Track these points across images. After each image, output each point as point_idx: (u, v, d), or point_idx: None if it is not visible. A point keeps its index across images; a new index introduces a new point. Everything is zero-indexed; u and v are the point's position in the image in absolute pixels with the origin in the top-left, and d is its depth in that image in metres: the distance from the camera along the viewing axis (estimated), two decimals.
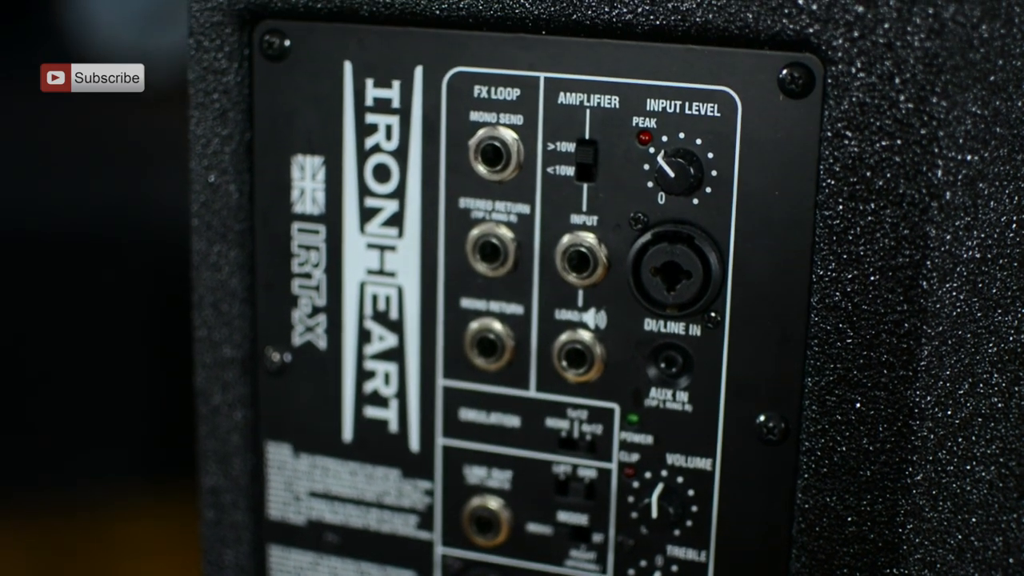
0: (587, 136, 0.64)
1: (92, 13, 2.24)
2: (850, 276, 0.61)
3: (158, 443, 2.15)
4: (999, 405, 0.62)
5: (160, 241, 2.08)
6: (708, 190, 0.63)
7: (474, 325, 0.67)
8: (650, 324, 0.65)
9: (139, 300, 2.11)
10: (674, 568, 0.67)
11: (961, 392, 0.61)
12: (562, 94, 0.64)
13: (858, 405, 0.62)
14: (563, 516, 0.69)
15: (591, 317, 0.66)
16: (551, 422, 0.68)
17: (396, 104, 0.66)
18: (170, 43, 2.20)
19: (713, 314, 0.64)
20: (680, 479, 0.66)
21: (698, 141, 0.63)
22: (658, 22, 0.61)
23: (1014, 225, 0.60)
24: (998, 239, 0.60)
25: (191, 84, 0.69)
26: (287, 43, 0.67)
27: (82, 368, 2.10)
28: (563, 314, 0.66)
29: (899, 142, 0.59)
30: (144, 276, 2.10)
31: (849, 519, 0.63)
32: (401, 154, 0.67)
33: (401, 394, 0.69)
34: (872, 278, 0.61)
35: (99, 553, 2.06)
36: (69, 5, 2.24)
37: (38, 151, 2.11)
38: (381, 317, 0.69)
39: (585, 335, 0.66)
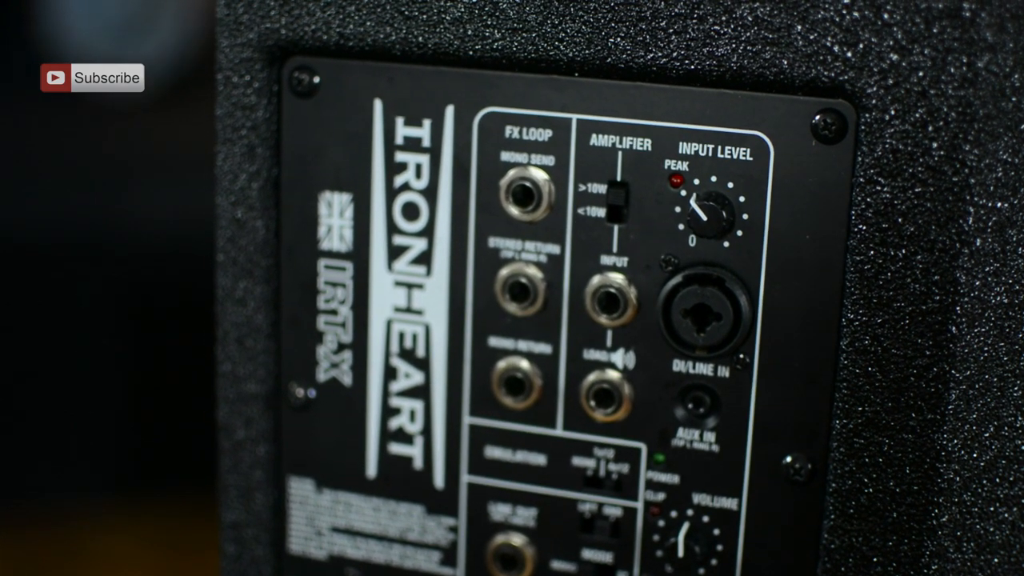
0: (619, 178, 0.64)
1: (66, 23, 2.22)
2: (880, 320, 0.61)
3: (134, 457, 2.14)
4: (1023, 448, 0.62)
5: (136, 255, 2.07)
6: (739, 233, 0.63)
7: (502, 364, 0.67)
8: (679, 365, 0.65)
9: (115, 314, 2.10)
10: None
11: (987, 435, 0.62)
12: (594, 136, 0.64)
13: (885, 447, 0.63)
14: (588, 554, 0.69)
15: (619, 357, 0.66)
16: (577, 460, 0.68)
17: (426, 143, 0.66)
18: (145, 53, 2.19)
19: (742, 356, 0.64)
20: (706, 518, 0.67)
21: (730, 185, 0.63)
22: (693, 67, 0.62)
23: None
24: None
25: (218, 120, 0.68)
26: (317, 80, 0.67)
27: (57, 381, 2.09)
28: (591, 354, 0.66)
29: (931, 189, 0.60)
30: (120, 290, 2.09)
31: (875, 560, 0.64)
32: (431, 193, 0.67)
33: (426, 431, 0.69)
34: (902, 323, 0.61)
35: (74, 567, 2.04)
36: (42, 15, 2.23)
37: (12, 163, 2.09)
38: (407, 354, 0.69)
39: (613, 375, 0.66)
